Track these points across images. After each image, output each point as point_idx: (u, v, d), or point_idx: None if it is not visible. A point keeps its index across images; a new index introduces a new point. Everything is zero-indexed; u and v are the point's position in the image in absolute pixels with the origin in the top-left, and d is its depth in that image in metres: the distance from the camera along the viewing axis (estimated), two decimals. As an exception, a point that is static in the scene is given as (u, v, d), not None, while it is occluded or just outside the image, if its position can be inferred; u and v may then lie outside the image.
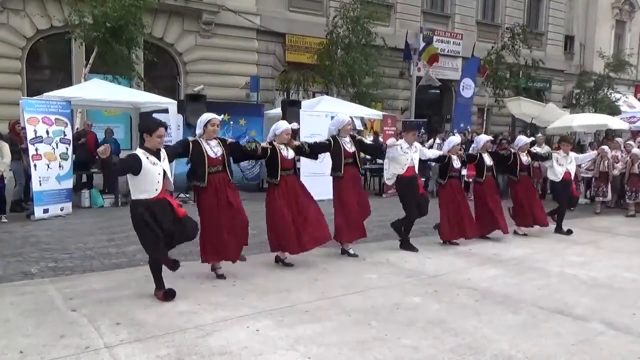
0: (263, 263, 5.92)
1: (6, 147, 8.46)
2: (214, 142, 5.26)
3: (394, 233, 6.99)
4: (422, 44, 19.01)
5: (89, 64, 12.08)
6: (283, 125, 5.87)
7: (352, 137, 6.47)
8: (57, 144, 8.90)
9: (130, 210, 4.54)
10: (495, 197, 7.78)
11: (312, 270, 5.79)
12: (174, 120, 10.36)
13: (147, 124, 4.71)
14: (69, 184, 9.13)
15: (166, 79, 16.31)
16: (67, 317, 4.16)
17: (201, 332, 3.92)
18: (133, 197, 4.53)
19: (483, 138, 8.04)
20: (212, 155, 5.19)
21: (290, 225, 5.66)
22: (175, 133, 10.30)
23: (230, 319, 4.20)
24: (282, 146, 5.82)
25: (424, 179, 12.87)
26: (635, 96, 25.32)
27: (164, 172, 4.58)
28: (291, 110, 11.87)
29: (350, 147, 6.33)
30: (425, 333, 4.04)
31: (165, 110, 10.57)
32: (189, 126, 11.01)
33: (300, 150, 6.06)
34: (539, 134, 14.31)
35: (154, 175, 4.49)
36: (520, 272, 5.99)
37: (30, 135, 8.53)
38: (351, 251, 6.42)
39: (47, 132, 8.72)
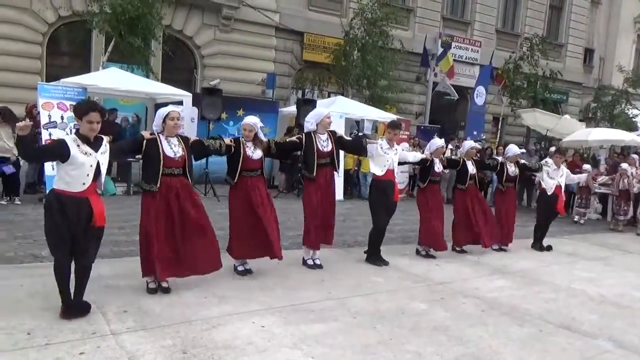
0: (269, 261, 5.91)
1: None
2: (174, 140, 4.60)
3: (403, 237, 6.91)
4: (440, 50, 18.92)
5: (107, 53, 12.18)
6: (246, 120, 5.33)
7: (332, 134, 5.86)
8: (70, 130, 8.96)
9: (45, 199, 4.04)
10: (479, 206, 7.28)
11: (318, 270, 5.79)
12: (188, 113, 10.40)
13: (77, 106, 3.95)
14: (82, 170, 9.18)
15: (183, 71, 16.38)
16: (75, 302, 4.20)
17: (207, 325, 3.95)
18: (54, 185, 3.88)
19: (468, 144, 7.67)
20: (171, 155, 4.52)
21: (247, 231, 5.20)
22: (188, 126, 10.31)
23: (236, 314, 4.22)
24: (250, 144, 5.28)
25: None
26: (653, 113, 24.97)
27: (98, 166, 3.89)
28: (306, 109, 11.84)
29: (326, 146, 5.72)
30: (430, 340, 4.04)
31: (180, 103, 10.61)
32: (204, 119, 11.09)
33: (268, 150, 5.48)
34: (552, 147, 14.18)
35: (83, 167, 3.81)
36: (528, 285, 5.96)
37: (44, 120, 8.64)
38: (310, 262, 5.76)
39: (62, 118, 8.83)
